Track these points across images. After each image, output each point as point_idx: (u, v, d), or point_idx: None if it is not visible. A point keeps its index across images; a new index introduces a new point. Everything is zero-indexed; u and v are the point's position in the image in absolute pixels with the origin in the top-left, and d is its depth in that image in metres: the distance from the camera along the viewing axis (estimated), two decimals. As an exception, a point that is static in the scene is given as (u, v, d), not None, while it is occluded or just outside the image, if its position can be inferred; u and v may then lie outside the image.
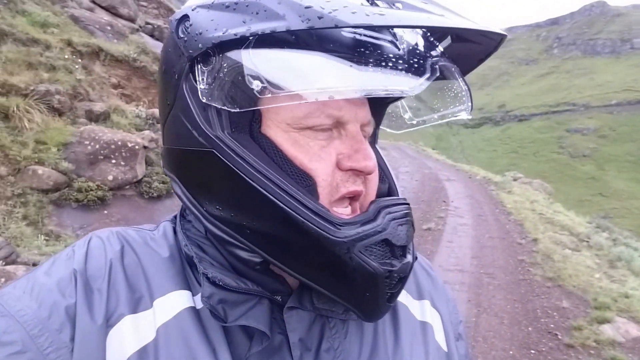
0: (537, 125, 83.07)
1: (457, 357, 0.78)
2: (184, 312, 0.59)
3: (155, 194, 6.13)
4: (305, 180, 0.56)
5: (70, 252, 0.62)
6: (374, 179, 0.63)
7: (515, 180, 19.56)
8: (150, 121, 7.69)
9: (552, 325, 5.48)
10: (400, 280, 0.58)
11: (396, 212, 0.58)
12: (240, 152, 0.55)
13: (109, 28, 9.29)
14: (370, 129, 0.64)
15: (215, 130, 0.56)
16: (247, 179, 0.54)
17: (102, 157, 5.81)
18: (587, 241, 10.14)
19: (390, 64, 0.53)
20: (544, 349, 4.92)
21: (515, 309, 5.87)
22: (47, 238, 4.50)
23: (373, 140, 0.73)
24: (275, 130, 0.57)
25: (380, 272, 0.55)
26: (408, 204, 0.62)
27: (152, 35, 11.32)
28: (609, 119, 77.20)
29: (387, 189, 0.67)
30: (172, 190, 0.69)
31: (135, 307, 0.58)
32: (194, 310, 0.60)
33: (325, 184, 0.57)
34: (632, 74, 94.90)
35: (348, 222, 0.54)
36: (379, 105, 0.69)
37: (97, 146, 5.83)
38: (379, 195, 0.64)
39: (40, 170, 5.19)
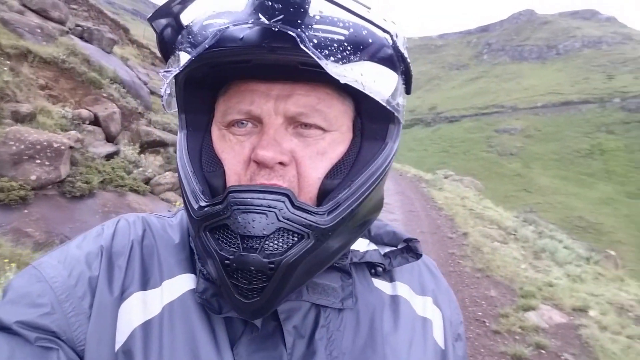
0: (467, 126, 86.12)
1: (453, 356, 0.78)
2: (188, 293, 0.64)
3: (78, 194, 6.08)
4: (215, 167, 0.62)
5: (100, 230, 0.69)
6: (304, 170, 0.60)
7: (446, 177, 20.27)
8: (76, 121, 7.61)
9: (480, 313, 5.72)
10: (248, 272, 0.54)
11: (242, 198, 0.54)
12: (179, 146, 0.66)
13: (38, 30, 9.15)
14: (312, 119, 0.60)
15: (180, 130, 0.68)
16: (177, 168, 0.65)
17: (26, 157, 5.70)
18: (515, 234, 10.70)
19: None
20: (471, 336, 5.12)
21: (446, 299, 6.11)
22: (-35, 235, 4.35)
23: (362, 133, 0.65)
24: (214, 129, 0.65)
25: (214, 256, 0.56)
26: (285, 194, 0.55)
27: (81, 37, 11.17)
28: (534, 120, 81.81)
29: (335, 185, 0.60)
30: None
31: (146, 285, 0.64)
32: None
33: (231, 172, 0.61)
34: (557, 78, 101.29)
35: (207, 203, 0.57)
36: (359, 97, 0.62)
37: (22, 146, 5.73)
38: (324, 190, 0.60)
39: (-36, 170, 5.03)
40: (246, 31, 0.53)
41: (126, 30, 16.53)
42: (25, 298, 0.58)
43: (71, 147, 6.29)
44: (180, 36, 0.61)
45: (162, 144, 9.33)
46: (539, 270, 7.96)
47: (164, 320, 0.61)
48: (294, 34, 0.51)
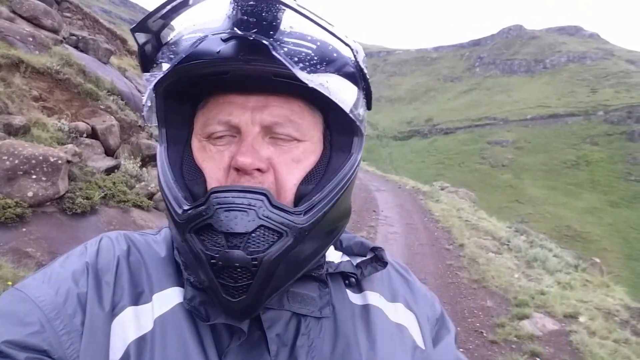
0: (462, 137, 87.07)
1: (436, 354, 0.79)
2: (178, 307, 0.65)
3: (79, 210, 5.74)
4: (196, 176, 0.65)
5: (82, 249, 0.69)
6: (281, 176, 0.63)
7: (442, 189, 20.22)
8: (73, 134, 7.30)
9: (477, 324, 5.77)
10: (234, 270, 0.57)
11: (224, 197, 0.57)
12: (159, 159, 0.68)
13: (30, 39, 8.76)
14: (286, 129, 0.64)
15: (160, 145, 0.70)
16: (158, 180, 0.67)
17: (21, 173, 5.42)
18: (508, 244, 10.74)
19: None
20: (471, 347, 5.17)
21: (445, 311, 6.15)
22: (-38, 256, 4.15)
23: (331, 144, 0.69)
24: (194, 141, 0.68)
25: (201, 256, 0.58)
26: (263, 194, 0.58)
27: (76, 47, 10.72)
28: (524, 132, 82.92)
29: (309, 190, 0.64)
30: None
31: (137, 300, 0.65)
32: None
33: (212, 179, 0.63)
34: (545, 91, 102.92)
35: (191, 205, 0.60)
36: (329, 111, 0.68)
37: (17, 161, 5.44)
38: (299, 195, 0.64)
39: (-46, 188, 4.80)
40: (223, 44, 0.57)
41: (123, 41, 16.26)
42: (11, 318, 0.57)
43: (69, 162, 6.02)
44: (160, 52, 0.65)
45: (165, 157, 9.11)
46: (531, 278, 8.04)
47: (156, 335, 0.62)
48: (266, 42, 0.54)
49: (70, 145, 6.70)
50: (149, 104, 0.67)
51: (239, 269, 0.57)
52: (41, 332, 0.57)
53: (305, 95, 0.64)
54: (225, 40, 0.57)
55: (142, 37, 0.64)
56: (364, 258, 0.80)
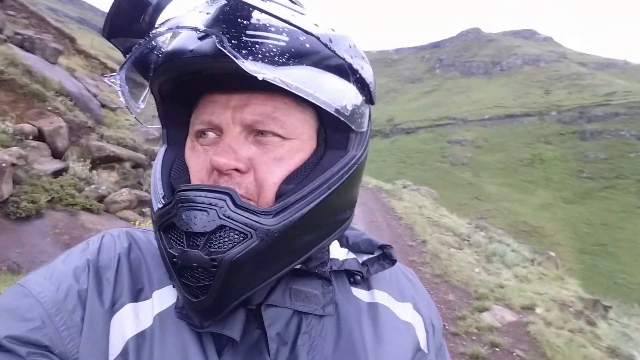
0: (422, 137, 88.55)
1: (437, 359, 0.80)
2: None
3: (23, 214, 5.56)
4: (181, 175, 0.66)
5: (85, 246, 0.69)
6: (260, 176, 0.60)
7: (404, 187, 20.65)
8: (18, 137, 7.00)
9: (440, 317, 5.95)
10: (194, 270, 0.56)
11: (187, 196, 0.56)
12: (156, 158, 0.70)
13: None
14: (268, 127, 0.61)
15: (162, 145, 0.72)
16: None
17: None
18: (468, 240, 11.05)
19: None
20: None
21: (408, 305, 6.26)
22: None
23: (326, 141, 0.65)
24: (187, 141, 0.68)
25: (164, 255, 0.58)
26: (227, 193, 0.56)
27: (22, 47, 10.24)
28: (483, 132, 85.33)
29: (289, 189, 0.60)
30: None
31: (137, 296, 0.64)
32: None
33: (195, 178, 0.63)
34: (502, 92, 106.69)
35: (163, 204, 0.60)
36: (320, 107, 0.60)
37: None
38: (280, 195, 0.60)
39: None
40: (198, 42, 0.55)
41: (72, 40, 15.55)
42: (13, 313, 0.57)
43: (13, 165, 5.82)
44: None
45: (117, 159, 8.57)
46: (491, 273, 8.28)
47: (155, 331, 0.61)
48: (214, 36, 0.52)
49: (15, 148, 6.49)
50: (142, 106, 0.66)
51: (199, 269, 0.55)
52: (42, 328, 0.57)
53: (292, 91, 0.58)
54: (199, 39, 0.55)
55: (126, 42, 0.62)
56: (371, 256, 0.78)
